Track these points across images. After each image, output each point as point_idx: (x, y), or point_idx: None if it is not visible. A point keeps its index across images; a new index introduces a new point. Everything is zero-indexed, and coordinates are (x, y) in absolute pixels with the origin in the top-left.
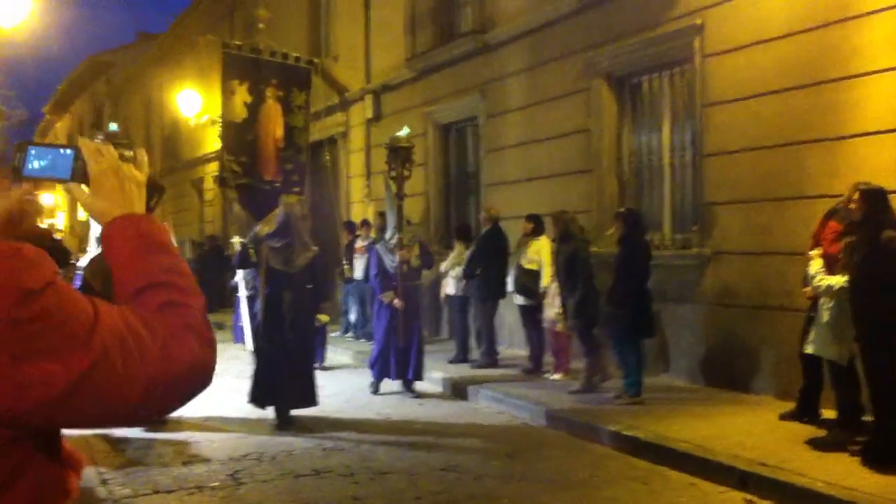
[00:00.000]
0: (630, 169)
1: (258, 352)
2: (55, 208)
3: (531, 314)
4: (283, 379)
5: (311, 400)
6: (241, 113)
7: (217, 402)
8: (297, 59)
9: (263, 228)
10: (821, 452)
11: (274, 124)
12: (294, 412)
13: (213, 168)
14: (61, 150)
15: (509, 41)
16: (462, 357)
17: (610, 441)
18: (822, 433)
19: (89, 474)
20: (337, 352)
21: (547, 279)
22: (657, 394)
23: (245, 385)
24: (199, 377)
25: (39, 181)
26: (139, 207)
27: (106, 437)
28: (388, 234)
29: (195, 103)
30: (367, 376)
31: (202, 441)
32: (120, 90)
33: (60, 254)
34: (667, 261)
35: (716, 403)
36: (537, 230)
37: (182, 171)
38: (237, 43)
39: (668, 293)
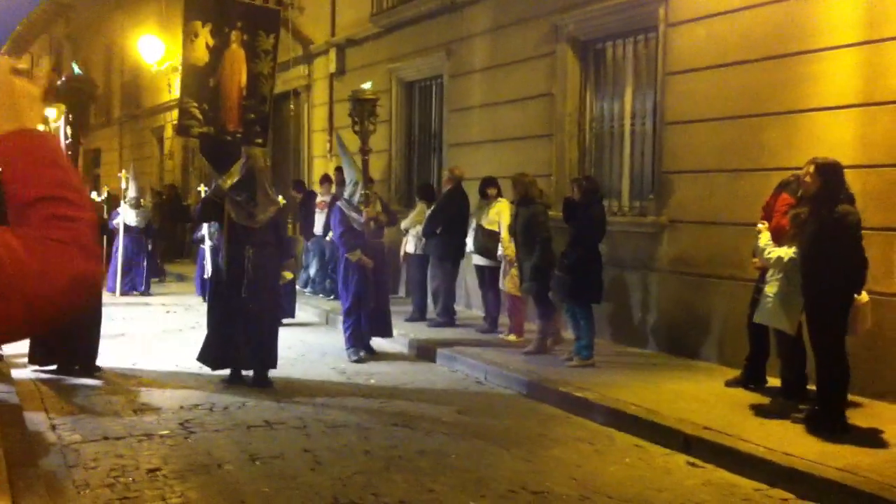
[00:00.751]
0: (591, 135)
1: (212, 310)
2: None
3: (489, 275)
4: (239, 339)
5: (269, 362)
6: (203, 57)
7: (171, 354)
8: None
9: (226, 181)
10: (764, 419)
11: (238, 71)
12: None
13: (173, 117)
14: None
15: (476, 0)
16: (419, 316)
17: (559, 402)
18: (766, 401)
19: (39, 419)
20: (300, 308)
21: (506, 240)
22: (608, 358)
23: (199, 338)
24: (81, 289)
25: None
26: (33, 122)
27: (56, 384)
28: (346, 192)
29: (157, 50)
30: (328, 334)
31: (154, 391)
32: (80, 33)
33: None
34: (623, 227)
35: (665, 369)
36: (498, 192)
37: (143, 118)
38: None
39: (623, 260)
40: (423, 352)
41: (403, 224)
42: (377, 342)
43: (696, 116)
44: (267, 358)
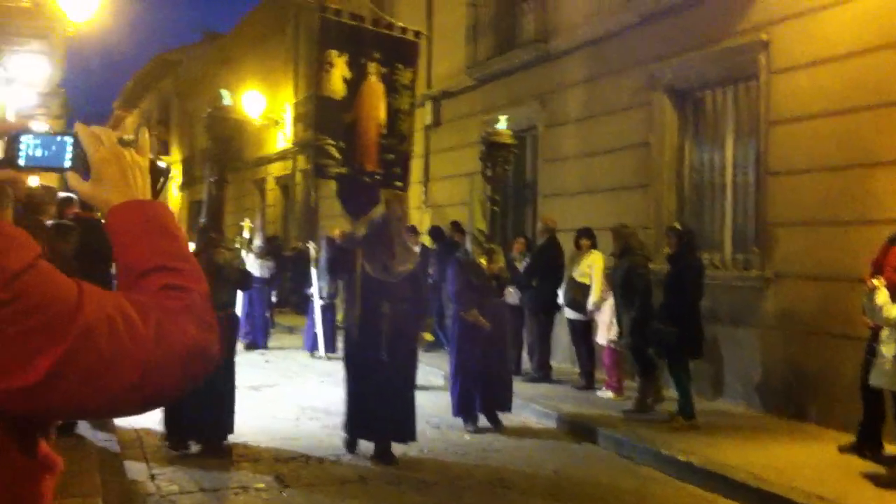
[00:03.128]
0: (690, 185)
1: (351, 375)
2: None
3: (582, 329)
4: (379, 407)
5: (409, 433)
6: (339, 89)
7: (269, 405)
8: (404, 29)
9: (360, 228)
10: (882, 490)
11: (376, 107)
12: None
13: (275, 169)
14: (58, 138)
15: (570, 51)
16: (515, 369)
17: (659, 464)
18: (883, 470)
19: (139, 468)
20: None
21: (597, 294)
22: (711, 418)
23: (303, 393)
24: (197, 361)
25: (39, 171)
26: (143, 193)
27: (156, 433)
28: (468, 245)
29: (259, 104)
30: (436, 396)
31: (250, 441)
32: (186, 88)
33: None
34: (726, 281)
35: (772, 431)
36: (592, 244)
37: (245, 170)
38: (335, 7)
39: (725, 315)
40: (518, 407)
41: None
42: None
43: (801, 166)
44: (401, 429)
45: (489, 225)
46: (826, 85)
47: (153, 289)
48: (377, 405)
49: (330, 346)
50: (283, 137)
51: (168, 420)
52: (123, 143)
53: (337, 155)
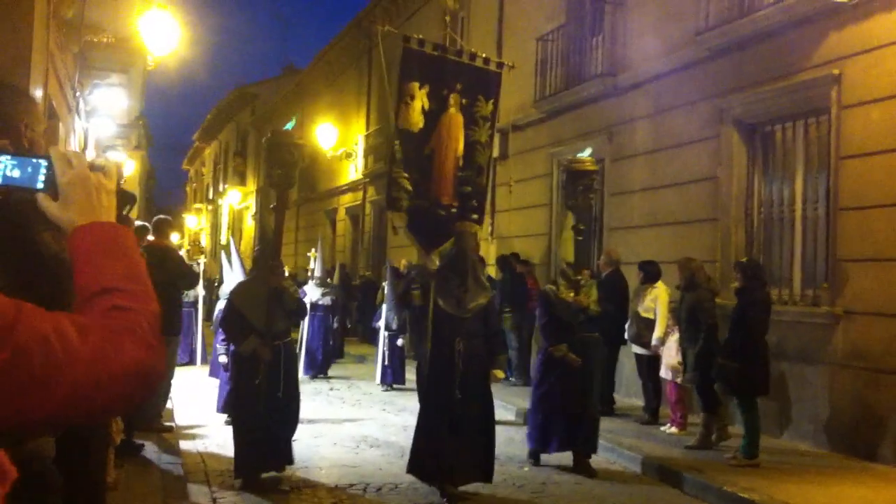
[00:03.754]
0: (759, 219)
1: (423, 413)
2: (200, 230)
3: (647, 363)
4: (453, 447)
5: (485, 474)
6: (417, 122)
7: (330, 432)
8: (487, 60)
9: (433, 262)
10: None
11: (455, 138)
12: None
13: (346, 200)
14: (34, 160)
15: (638, 85)
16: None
17: (722, 502)
18: None
19: (202, 492)
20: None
21: (661, 329)
22: (776, 456)
23: (363, 421)
24: (133, 380)
25: (12, 190)
26: (107, 215)
27: (219, 458)
28: (557, 278)
29: (332, 137)
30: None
31: (311, 468)
32: (263, 120)
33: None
34: (794, 317)
35: (837, 471)
36: (654, 277)
37: (317, 201)
38: (418, 37)
39: (793, 351)
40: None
41: None
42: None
43: (873, 202)
44: (484, 468)
45: (576, 255)
46: None
47: (102, 309)
48: (451, 445)
49: (398, 378)
50: (354, 169)
51: (239, 453)
52: (94, 168)
53: (409, 187)
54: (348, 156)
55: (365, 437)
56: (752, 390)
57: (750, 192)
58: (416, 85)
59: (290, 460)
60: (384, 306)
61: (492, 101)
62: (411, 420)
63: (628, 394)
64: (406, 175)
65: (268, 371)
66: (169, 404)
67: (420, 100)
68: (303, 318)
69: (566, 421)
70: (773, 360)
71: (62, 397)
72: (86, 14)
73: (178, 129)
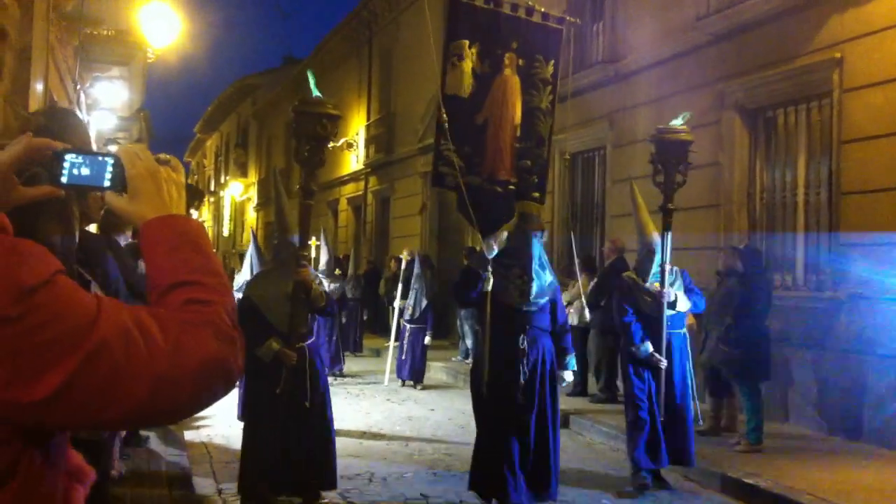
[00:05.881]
0: (761, 205)
1: (482, 420)
2: (202, 222)
3: None
4: (511, 458)
5: (546, 490)
6: (467, 86)
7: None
8: (545, 15)
9: (490, 247)
10: None
11: (512, 105)
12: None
13: (347, 190)
14: (100, 158)
15: (639, 71)
16: (580, 390)
17: (725, 487)
18: None
19: (207, 483)
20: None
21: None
22: (780, 441)
23: (368, 411)
24: (215, 374)
25: (79, 189)
26: (178, 208)
27: (225, 450)
28: (639, 263)
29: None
30: None
31: None
32: (263, 112)
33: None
34: (796, 302)
35: (842, 455)
36: None
37: (318, 192)
38: None
39: (796, 337)
40: (582, 426)
41: (565, 296)
42: None
43: (876, 186)
44: (541, 481)
45: (662, 240)
46: None
47: (178, 303)
48: (511, 457)
49: (417, 377)
50: (355, 159)
51: (248, 473)
52: (160, 162)
53: (459, 162)
54: (349, 146)
55: (369, 427)
56: (756, 376)
57: (752, 178)
58: (466, 43)
59: (333, 482)
60: (408, 296)
61: (552, 61)
62: (416, 410)
63: None
64: (454, 148)
65: (293, 378)
66: None
67: (469, 60)
68: (333, 316)
69: (660, 430)
70: (776, 345)
71: (143, 394)
72: (86, 7)
73: (179, 122)
